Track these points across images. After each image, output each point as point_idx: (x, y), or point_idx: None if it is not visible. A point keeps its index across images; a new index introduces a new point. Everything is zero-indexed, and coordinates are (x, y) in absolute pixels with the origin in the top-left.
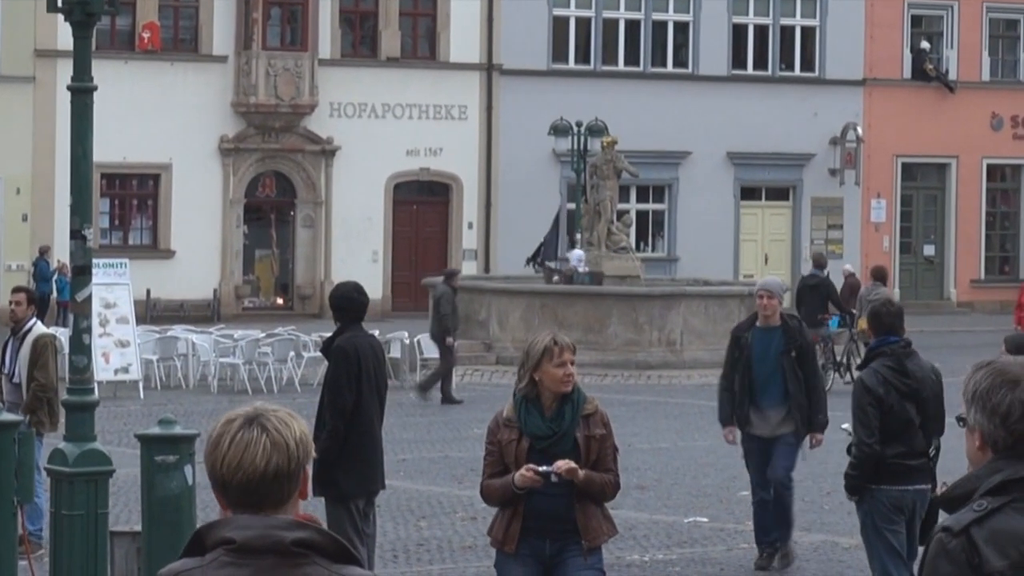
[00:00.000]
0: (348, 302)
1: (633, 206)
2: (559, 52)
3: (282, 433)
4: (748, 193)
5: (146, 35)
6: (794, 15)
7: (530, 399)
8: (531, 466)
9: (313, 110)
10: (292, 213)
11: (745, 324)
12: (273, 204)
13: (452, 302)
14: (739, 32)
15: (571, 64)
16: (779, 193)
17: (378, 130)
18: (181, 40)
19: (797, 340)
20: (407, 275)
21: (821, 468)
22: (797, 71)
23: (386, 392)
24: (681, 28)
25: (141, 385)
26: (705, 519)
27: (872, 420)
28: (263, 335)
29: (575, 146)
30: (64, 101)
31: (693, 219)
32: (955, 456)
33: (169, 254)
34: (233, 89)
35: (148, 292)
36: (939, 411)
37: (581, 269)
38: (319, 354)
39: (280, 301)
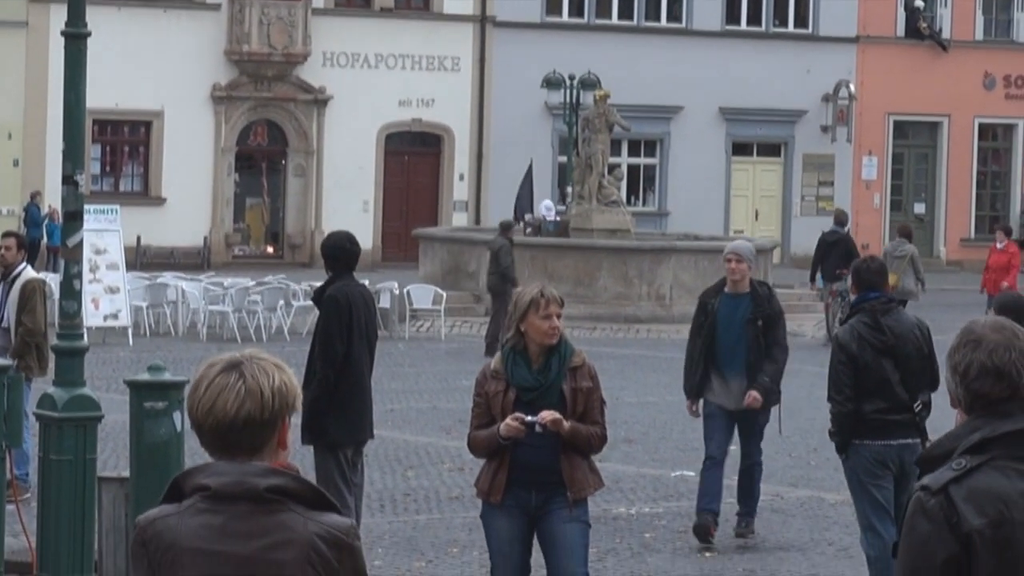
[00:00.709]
0: (340, 251)
1: (625, 160)
2: (553, 5)
3: (259, 380)
4: (740, 149)
5: None
6: None
7: (517, 351)
8: (517, 415)
9: (306, 59)
10: (284, 162)
11: (712, 290)
12: (264, 153)
13: (511, 253)
14: None
15: (565, 17)
16: (771, 149)
17: (371, 80)
18: None
19: (765, 308)
20: (397, 225)
21: (808, 424)
22: (791, 27)
23: (376, 342)
24: None
25: (130, 332)
26: (692, 473)
27: (842, 378)
28: (253, 283)
29: (567, 99)
30: (57, 47)
31: (684, 174)
32: (949, 413)
33: (160, 201)
34: (226, 37)
35: (138, 239)
36: (924, 366)
37: (549, 218)
38: (308, 303)
39: (270, 250)
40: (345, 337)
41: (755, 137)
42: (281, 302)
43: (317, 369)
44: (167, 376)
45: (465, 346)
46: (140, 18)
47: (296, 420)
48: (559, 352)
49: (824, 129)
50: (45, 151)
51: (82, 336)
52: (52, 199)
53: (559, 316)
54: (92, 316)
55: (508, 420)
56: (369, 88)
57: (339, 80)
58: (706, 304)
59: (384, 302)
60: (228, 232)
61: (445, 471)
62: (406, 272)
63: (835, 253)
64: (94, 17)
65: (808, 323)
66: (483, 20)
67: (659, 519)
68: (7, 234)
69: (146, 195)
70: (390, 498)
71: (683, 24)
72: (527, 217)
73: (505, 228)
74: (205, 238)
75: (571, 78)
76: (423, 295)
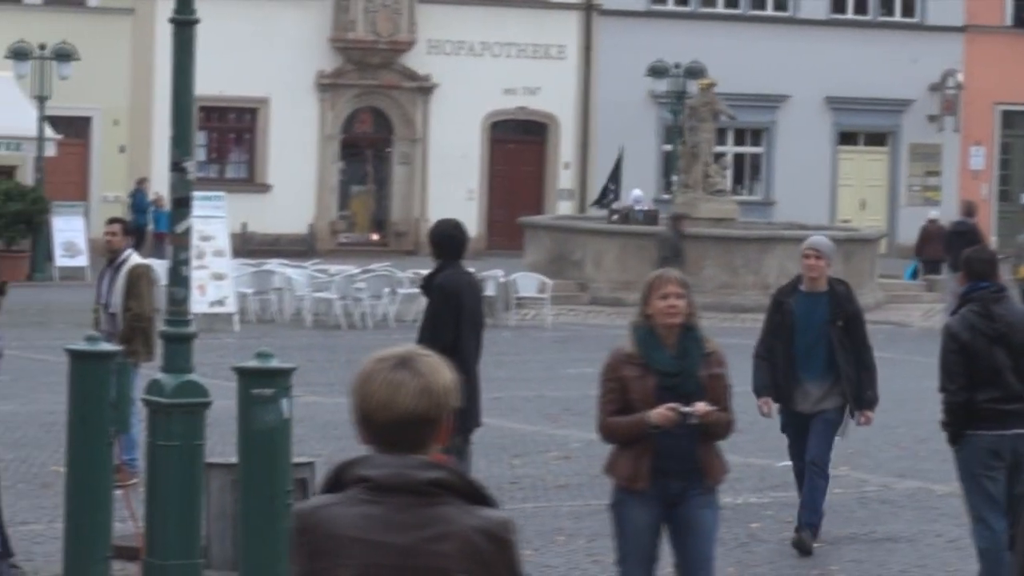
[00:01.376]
0: (448, 239)
1: (730, 149)
2: None
3: (433, 379)
4: (846, 138)
5: None
6: None
7: (650, 335)
8: (672, 405)
9: (411, 47)
10: (388, 150)
11: (788, 287)
12: (370, 140)
13: (675, 246)
14: None
15: (670, 5)
16: (877, 139)
17: (476, 68)
18: None
19: (845, 308)
20: (502, 214)
21: (916, 415)
22: (897, 16)
23: (483, 330)
24: None
25: (236, 318)
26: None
27: (954, 367)
28: (358, 271)
29: (673, 88)
30: (163, 33)
31: (790, 163)
32: None
33: (265, 188)
34: (332, 25)
35: (244, 226)
36: None
37: (637, 207)
38: (414, 290)
39: (375, 237)
40: (453, 325)
41: (861, 126)
42: (386, 290)
43: None
44: (275, 363)
45: (570, 334)
46: (246, 5)
47: None
48: (694, 337)
49: (931, 119)
50: (151, 138)
51: (190, 322)
52: (158, 185)
53: (680, 297)
54: (199, 303)
55: (662, 409)
56: (474, 76)
57: (444, 68)
58: (781, 303)
59: (489, 290)
60: (333, 219)
61: (551, 459)
62: (511, 260)
63: (963, 243)
64: (202, 4)
65: (915, 313)
66: (589, 8)
67: (765, 509)
68: (113, 220)
69: (252, 182)
70: (496, 486)
71: (789, 13)
72: (615, 205)
73: (676, 219)
74: (310, 225)
75: (676, 67)
76: (528, 283)
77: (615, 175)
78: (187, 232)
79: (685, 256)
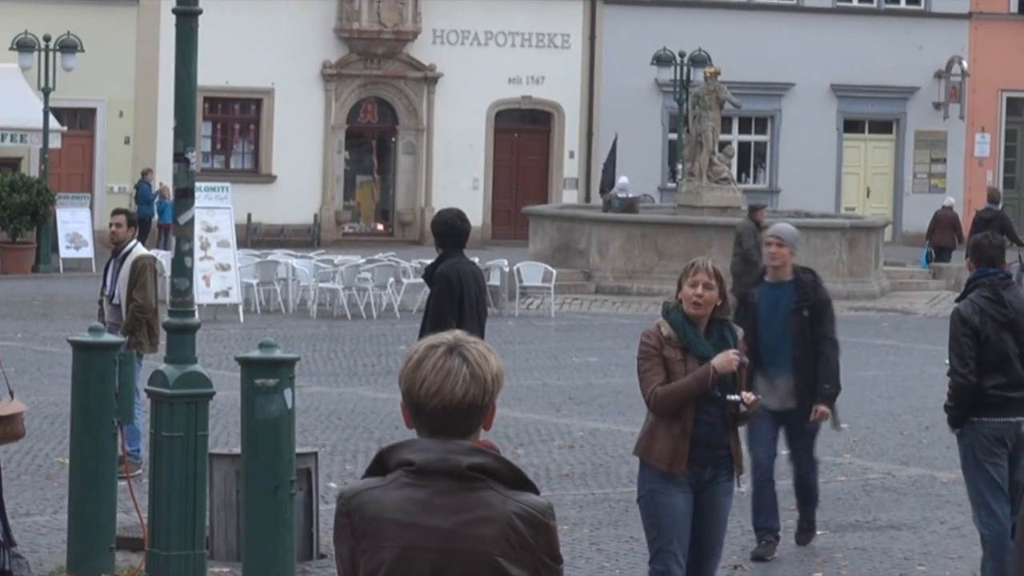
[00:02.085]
0: (451, 228)
1: (735, 137)
2: None
3: (482, 367)
4: (851, 126)
5: None
6: None
7: (687, 320)
8: (735, 352)
9: (416, 37)
10: (394, 140)
11: (753, 279)
12: (375, 130)
13: (755, 237)
14: None
15: None
16: (882, 126)
17: (480, 58)
18: None
19: (810, 297)
20: (507, 203)
21: (920, 403)
22: (902, 3)
23: (486, 319)
24: None
25: (241, 309)
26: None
27: (966, 351)
28: (363, 261)
29: (678, 76)
30: (167, 24)
31: (795, 151)
32: None
33: (270, 179)
34: (336, 15)
35: (249, 216)
36: None
37: (620, 195)
38: (418, 280)
39: (380, 227)
40: (456, 314)
41: (867, 114)
42: (391, 279)
43: None
44: (278, 353)
45: (575, 323)
46: None
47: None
48: (729, 325)
49: (936, 106)
50: (156, 129)
51: (194, 313)
52: (163, 177)
53: (708, 288)
54: (203, 293)
55: (730, 354)
56: (479, 66)
57: (449, 57)
58: (745, 295)
59: (494, 279)
60: (338, 209)
61: (555, 448)
62: (516, 249)
63: (990, 230)
64: None
65: (919, 301)
66: None
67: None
68: (118, 211)
69: (256, 173)
70: None
71: (794, 1)
72: (603, 194)
73: (753, 210)
74: (315, 215)
75: (681, 55)
76: (533, 272)
77: (610, 163)
78: (190, 223)
79: (759, 247)
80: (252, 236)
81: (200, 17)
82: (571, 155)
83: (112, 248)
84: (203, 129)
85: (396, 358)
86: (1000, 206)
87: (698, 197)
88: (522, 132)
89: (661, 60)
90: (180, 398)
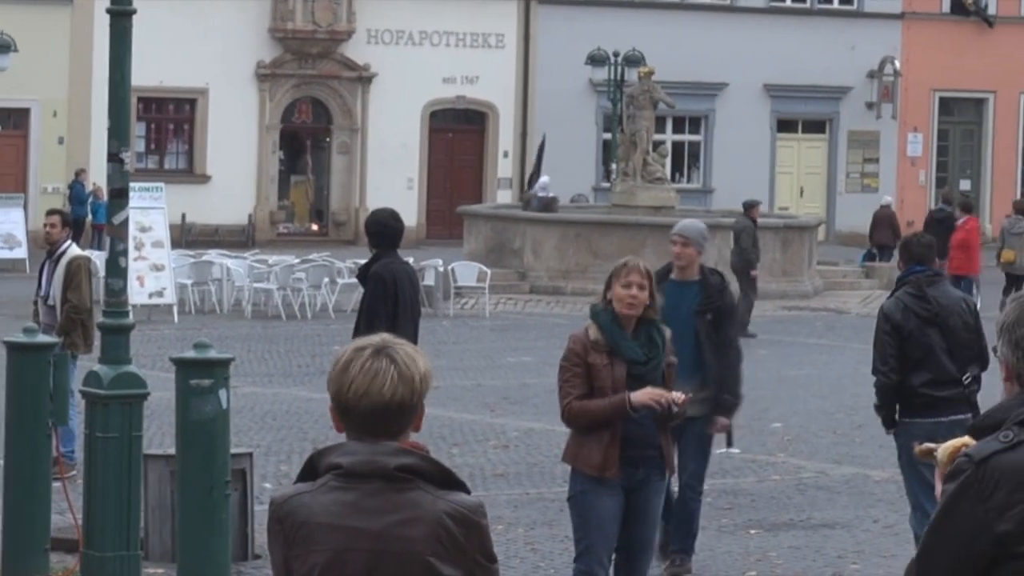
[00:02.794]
0: (384, 228)
1: (669, 137)
2: None
3: (410, 367)
4: (784, 125)
5: None
6: None
7: (616, 322)
8: (657, 391)
9: (350, 36)
10: (328, 139)
11: (659, 275)
12: (309, 130)
13: (753, 235)
14: None
15: None
16: (816, 126)
17: (415, 57)
18: None
19: (715, 300)
20: (442, 203)
21: (853, 401)
22: (835, 3)
23: (420, 319)
24: None
25: (175, 309)
26: (736, 450)
27: (887, 348)
28: (297, 261)
29: (612, 76)
30: (101, 24)
31: (729, 151)
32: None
33: (205, 179)
34: (271, 14)
35: (183, 216)
36: (971, 339)
37: (540, 194)
38: (353, 280)
39: (315, 227)
40: (389, 314)
41: (800, 114)
42: (326, 280)
43: None
44: (213, 353)
45: (509, 323)
46: None
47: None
48: (657, 326)
49: (869, 106)
50: (90, 129)
51: (128, 314)
52: (97, 177)
53: (642, 288)
54: (137, 294)
55: (650, 391)
56: (413, 65)
57: (383, 57)
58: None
59: (428, 279)
60: (273, 210)
61: (490, 448)
62: (450, 249)
63: (942, 230)
64: None
65: (852, 300)
66: None
67: (704, 496)
68: (52, 212)
69: (191, 173)
70: None
71: (728, 1)
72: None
73: (748, 208)
74: (250, 216)
75: (615, 55)
76: (467, 272)
77: (538, 163)
78: (125, 223)
79: (757, 246)
80: (186, 236)
81: (134, 17)
82: (505, 155)
83: (47, 249)
84: (137, 129)
85: (330, 358)
86: (953, 207)
87: (632, 197)
88: (456, 132)
89: (595, 60)
90: (115, 399)
